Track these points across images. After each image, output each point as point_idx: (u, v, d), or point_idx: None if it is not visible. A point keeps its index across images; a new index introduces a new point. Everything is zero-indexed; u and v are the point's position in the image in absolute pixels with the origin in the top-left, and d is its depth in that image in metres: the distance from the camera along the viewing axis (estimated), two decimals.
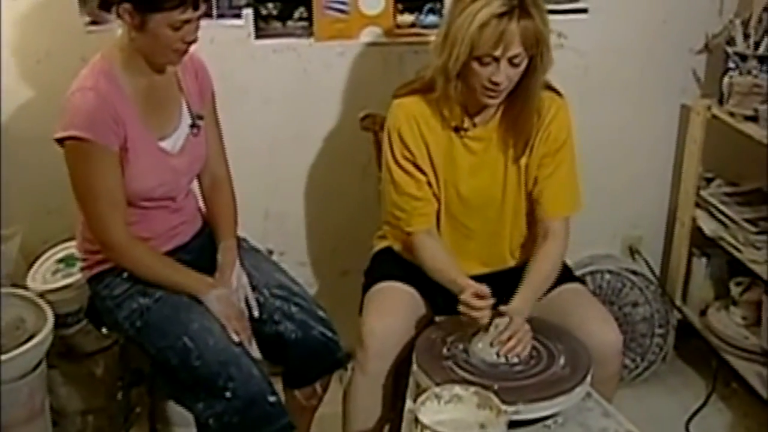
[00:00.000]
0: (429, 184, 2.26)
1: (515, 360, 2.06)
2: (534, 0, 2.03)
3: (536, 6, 2.03)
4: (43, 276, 2.59)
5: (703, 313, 3.03)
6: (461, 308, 2.08)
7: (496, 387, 1.95)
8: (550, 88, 2.24)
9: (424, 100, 2.21)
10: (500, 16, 1.99)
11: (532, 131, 2.22)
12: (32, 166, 2.62)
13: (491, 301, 2.09)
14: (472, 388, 1.91)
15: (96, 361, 2.66)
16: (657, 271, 3.13)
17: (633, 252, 3.13)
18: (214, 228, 2.33)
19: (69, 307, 2.54)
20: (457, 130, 2.23)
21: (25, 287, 2.53)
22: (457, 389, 1.91)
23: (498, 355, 2.06)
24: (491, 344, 2.07)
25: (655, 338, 3.02)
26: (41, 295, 2.48)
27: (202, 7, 2.02)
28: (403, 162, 2.23)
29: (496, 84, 2.07)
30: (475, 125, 2.23)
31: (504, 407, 1.86)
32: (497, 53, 2.02)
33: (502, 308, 2.10)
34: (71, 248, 2.62)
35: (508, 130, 2.24)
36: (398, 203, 2.26)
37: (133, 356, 2.58)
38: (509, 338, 2.06)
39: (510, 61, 2.05)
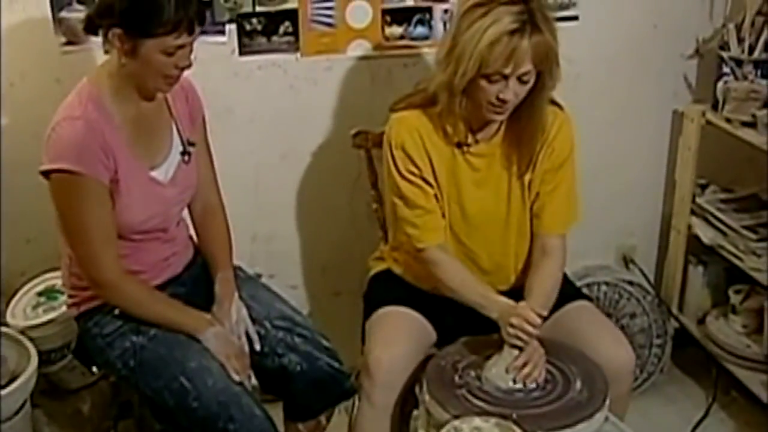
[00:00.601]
0: (436, 197, 2.18)
1: (532, 385, 1.99)
2: (544, 14, 1.96)
3: (546, 21, 1.96)
4: (23, 311, 2.47)
5: (701, 321, 3.00)
6: (515, 321, 2.00)
7: (514, 416, 1.89)
8: (551, 101, 2.17)
9: (425, 114, 2.14)
10: (511, 33, 1.92)
11: (536, 147, 2.15)
12: (7, 192, 2.49)
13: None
14: (493, 420, 1.85)
15: (82, 398, 2.55)
16: (652, 281, 3.09)
17: (627, 261, 3.08)
18: (208, 258, 2.22)
19: (53, 344, 2.42)
20: (459, 145, 2.15)
21: (4, 323, 2.41)
22: (477, 421, 1.85)
23: (515, 381, 1.99)
24: (507, 371, 2.00)
25: (654, 349, 2.98)
26: (23, 331, 2.37)
27: (197, 32, 1.92)
28: (409, 176, 2.15)
29: (503, 101, 2.00)
30: (477, 141, 2.16)
31: None
32: (507, 71, 1.95)
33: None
34: (52, 280, 2.52)
35: (511, 146, 2.17)
36: (409, 218, 2.17)
37: (122, 389, 2.47)
38: (524, 364, 1.99)
39: (519, 78, 1.97)
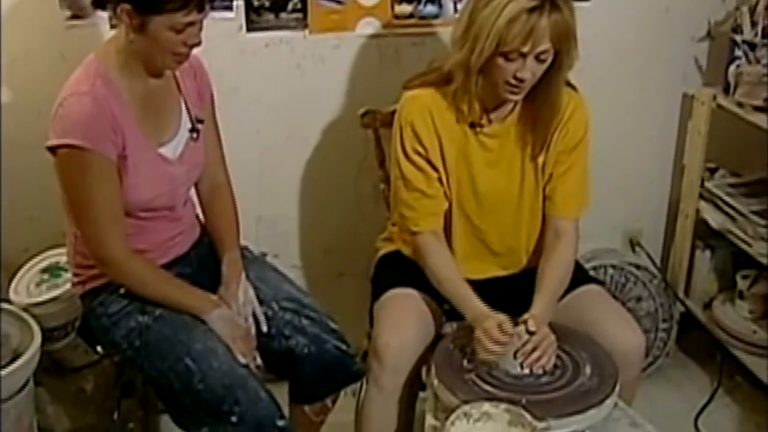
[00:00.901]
0: (440, 181, 2.16)
1: (540, 371, 1.97)
2: None
3: None
4: (26, 288, 2.44)
5: (707, 306, 2.98)
6: (480, 335, 1.98)
7: (523, 401, 1.87)
8: (566, 82, 2.13)
9: (439, 93, 2.11)
10: (530, 10, 1.88)
11: (551, 128, 2.13)
12: (11, 170, 2.46)
13: (513, 338, 1.98)
14: (503, 405, 1.83)
15: (85, 377, 2.52)
16: (658, 264, 3.07)
17: (634, 245, 3.06)
18: (215, 239, 2.20)
19: (56, 321, 2.39)
20: (472, 125, 2.13)
21: (7, 300, 2.38)
22: (487, 406, 1.83)
23: (522, 367, 1.97)
24: (515, 356, 1.98)
25: (659, 333, 2.96)
26: (26, 308, 2.33)
27: (207, 9, 1.88)
28: (414, 156, 2.12)
29: (520, 80, 1.97)
30: (491, 121, 2.13)
31: (537, 423, 1.79)
32: (525, 49, 1.92)
33: (526, 316, 2.02)
34: (55, 257, 2.50)
35: (526, 126, 2.14)
36: (407, 200, 2.16)
37: (125, 369, 2.45)
38: (533, 349, 1.97)
39: (537, 57, 1.94)
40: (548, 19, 1.90)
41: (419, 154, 2.13)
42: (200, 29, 1.91)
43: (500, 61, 1.95)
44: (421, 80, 2.15)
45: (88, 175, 1.90)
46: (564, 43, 1.96)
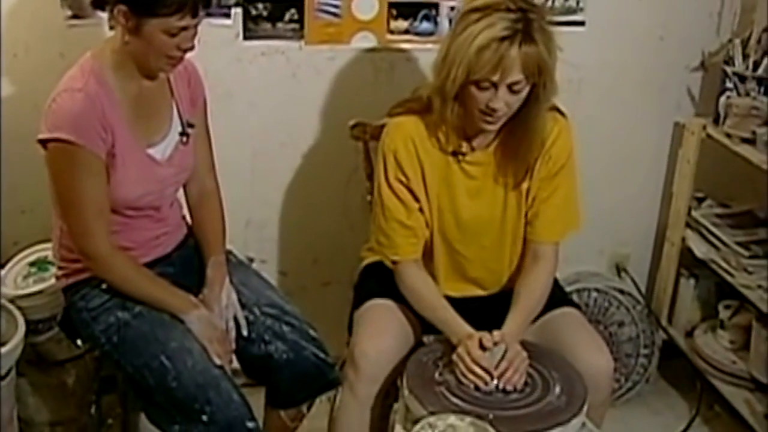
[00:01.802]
0: (421, 210, 2.17)
1: (510, 388, 1.99)
2: (541, 26, 1.93)
3: (542, 32, 1.93)
4: (14, 280, 2.48)
5: (689, 334, 3.00)
6: (460, 351, 2.01)
7: (490, 416, 1.89)
8: (553, 107, 2.14)
9: (422, 121, 2.12)
10: (501, 40, 1.89)
11: (534, 158, 2.13)
12: (6, 163, 2.50)
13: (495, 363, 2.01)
14: (468, 419, 1.85)
15: (67, 370, 2.55)
16: (643, 290, 3.09)
17: (620, 270, 3.08)
18: (201, 242, 2.23)
19: (41, 314, 2.42)
20: (455, 154, 2.14)
21: None
22: (452, 419, 1.85)
23: (497, 387, 1.99)
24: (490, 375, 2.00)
25: (640, 359, 2.98)
26: (12, 300, 2.37)
27: (202, 15, 1.92)
28: (395, 185, 2.14)
29: (493, 110, 1.98)
30: (473, 149, 2.14)
31: None
32: (495, 78, 1.93)
33: (496, 336, 2.04)
34: (44, 251, 2.52)
35: (508, 155, 2.14)
36: (384, 229, 2.17)
37: (106, 364, 2.48)
38: (506, 368, 2.00)
39: (509, 87, 1.95)
40: (519, 50, 1.90)
41: (401, 182, 2.14)
42: (194, 34, 1.95)
43: (473, 89, 1.96)
44: (405, 107, 2.16)
45: (76, 170, 1.94)
46: (539, 76, 1.96)
